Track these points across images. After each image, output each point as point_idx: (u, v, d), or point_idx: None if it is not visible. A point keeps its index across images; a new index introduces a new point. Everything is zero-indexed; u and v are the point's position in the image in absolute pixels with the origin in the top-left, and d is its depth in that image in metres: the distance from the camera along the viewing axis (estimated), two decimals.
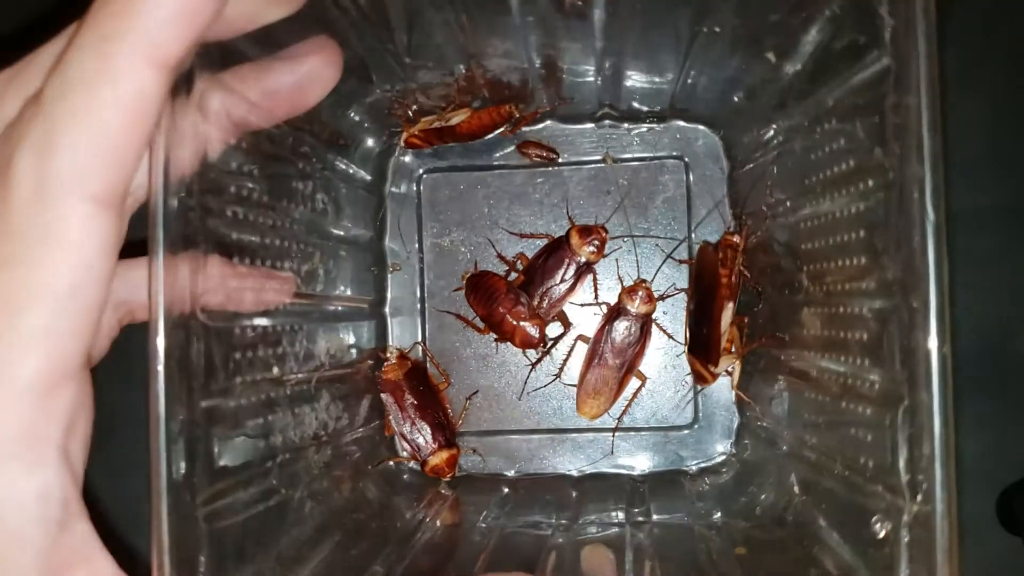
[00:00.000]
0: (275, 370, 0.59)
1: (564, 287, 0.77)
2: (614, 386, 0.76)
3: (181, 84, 0.40)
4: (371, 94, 0.71)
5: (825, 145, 0.57)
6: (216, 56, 0.43)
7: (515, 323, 0.75)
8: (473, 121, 0.75)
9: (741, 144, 0.76)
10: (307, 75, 0.51)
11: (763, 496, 0.66)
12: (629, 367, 0.76)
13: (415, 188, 0.81)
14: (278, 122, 0.56)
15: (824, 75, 0.56)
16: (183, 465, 0.41)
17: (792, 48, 0.58)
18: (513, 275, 0.79)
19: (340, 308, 0.72)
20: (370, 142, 0.78)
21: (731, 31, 0.60)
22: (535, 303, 0.76)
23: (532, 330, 0.75)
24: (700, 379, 0.73)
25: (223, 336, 0.50)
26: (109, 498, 0.66)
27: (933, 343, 0.41)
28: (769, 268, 0.71)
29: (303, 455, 0.62)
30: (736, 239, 0.73)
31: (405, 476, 0.79)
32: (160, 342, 0.40)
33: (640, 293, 0.75)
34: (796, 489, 0.63)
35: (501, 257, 0.79)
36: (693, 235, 0.78)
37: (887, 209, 0.47)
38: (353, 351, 0.74)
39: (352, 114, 0.72)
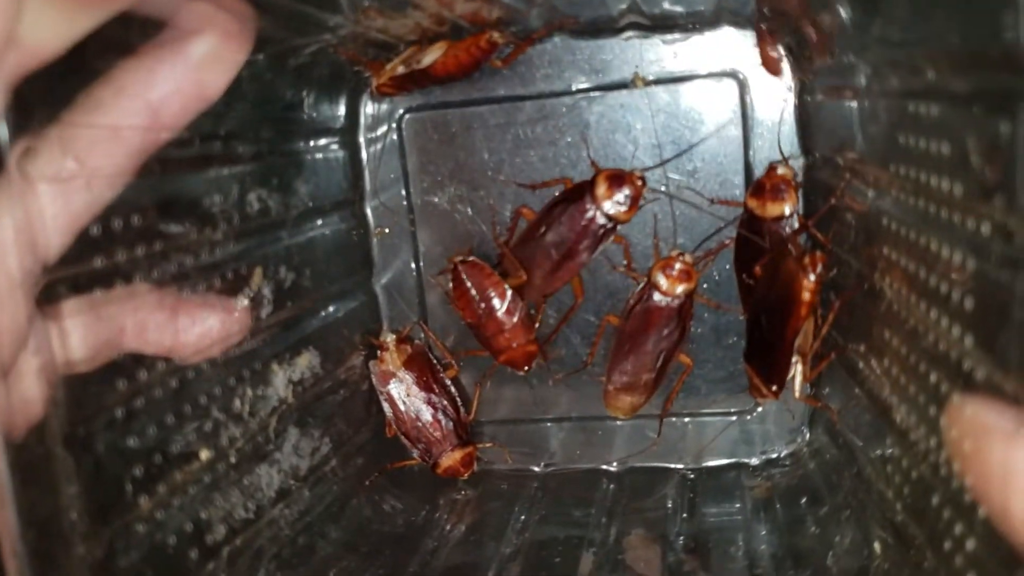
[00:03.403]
0: (204, 454, 0.47)
1: (581, 252, 0.61)
2: (650, 379, 0.61)
3: None
4: (306, 48, 0.53)
5: (920, 137, 0.38)
6: (42, 93, 0.31)
7: (507, 344, 0.62)
8: (450, 59, 0.57)
9: (812, 63, 0.55)
10: (201, 62, 0.38)
11: (837, 538, 0.53)
12: (667, 355, 0.61)
13: (396, 133, 0.64)
14: (175, 134, 0.41)
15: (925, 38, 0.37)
16: None
17: None
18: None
19: (307, 323, 0.58)
20: (323, 97, 0.61)
21: None
22: (542, 268, 0.62)
23: (524, 354, 0.63)
24: (756, 393, 0.57)
25: (113, 454, 0.39)
26: None
27: None
28: (841, 241, 0.54)
29: (263, 524, 0.52)
30: (788, 170, 0.56)
31: (413, 479, 0.67)
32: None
33: (677, 267, 0.59)
34: (876, 548, 0.49)
35: (496, 237, 0.64)
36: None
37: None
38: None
39: (284, 81, 0.55)
